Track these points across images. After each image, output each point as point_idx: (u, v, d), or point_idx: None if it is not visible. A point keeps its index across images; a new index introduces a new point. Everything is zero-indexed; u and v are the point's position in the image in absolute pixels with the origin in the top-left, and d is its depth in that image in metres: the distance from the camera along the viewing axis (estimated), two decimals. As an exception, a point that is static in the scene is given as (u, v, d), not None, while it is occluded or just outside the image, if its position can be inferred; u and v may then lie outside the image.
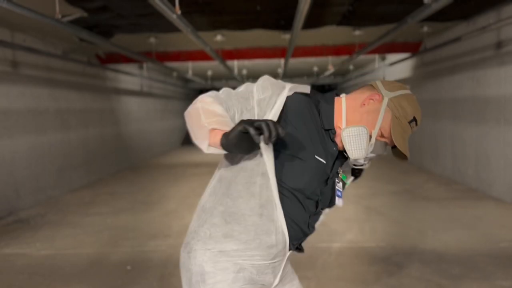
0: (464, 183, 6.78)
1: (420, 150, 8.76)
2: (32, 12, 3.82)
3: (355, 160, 1.35)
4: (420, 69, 8.72)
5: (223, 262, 1.31)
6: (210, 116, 1.20)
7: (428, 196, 6.15)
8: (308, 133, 1.30)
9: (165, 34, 6.68)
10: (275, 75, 14.72)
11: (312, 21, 5.86)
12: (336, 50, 8.29)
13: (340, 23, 6.18)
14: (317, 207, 1.38)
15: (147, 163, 11.01)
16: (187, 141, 16.92)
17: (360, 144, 1.30)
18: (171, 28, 5.62)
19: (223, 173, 1.37)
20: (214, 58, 7.14)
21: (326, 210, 1.45)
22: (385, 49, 8.24)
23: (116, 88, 9.82)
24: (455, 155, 7.11)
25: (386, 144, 1.35)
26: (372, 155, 1.34)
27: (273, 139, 1.05)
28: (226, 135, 1.12)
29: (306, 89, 1.43)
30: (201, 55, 8.18)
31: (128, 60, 8.61)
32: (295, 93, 1.36)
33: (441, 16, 5.97)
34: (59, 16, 4.28)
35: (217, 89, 1.40)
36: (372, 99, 1.32)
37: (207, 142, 1.18)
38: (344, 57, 8.81)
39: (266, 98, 1.30)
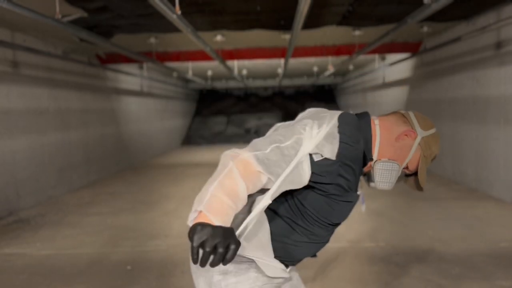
0: (464, 183, 6.78)
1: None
2: (32, 12, 3.82)
3: (374, 185, 1.42)
4: (420, 69, 8.72)
5: (245, 262, 1.34)
6: (220, 194, 1.10)
7: (428, 196, 6.15)
8: (355, 175, 1.31)
9: (165, 34, 6.68)
10: (275, 75, 14.73)
11: (312, 21, 5.86)
12: (336, 50, 8.29)
13: (340, 23, 6.18)
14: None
15: (147, 163, 11.01)
16: (187, 141, 16.93)
17: (389, 178, 1.37)
18: (171, 28, 5.62)
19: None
20: (214, 58, 7.14)
21: None
22: (385, 49, 8.24)
23: (116, 88, 9.82)
24: (455, 155, 7.11)
25: (404, 175, 1.46)
26: (393, 184, 1.41)
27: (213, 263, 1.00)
28: (193, 228, 1.01)
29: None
30: (201, 55, 8.19)
31: (128, 60, 8.61)
32: (350, 136, 1.28)
33: (441, 16, 5.97)
34: (59, 16, 4.28)
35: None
36: (407, 136, 1.37)
37: (196, 211, 1.09)
38: (344, 57, 8.81)
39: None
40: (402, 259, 3.67)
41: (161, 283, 3.34)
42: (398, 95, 10.22)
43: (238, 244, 1.02)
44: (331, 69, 10.14)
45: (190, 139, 17.09)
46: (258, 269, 1.34)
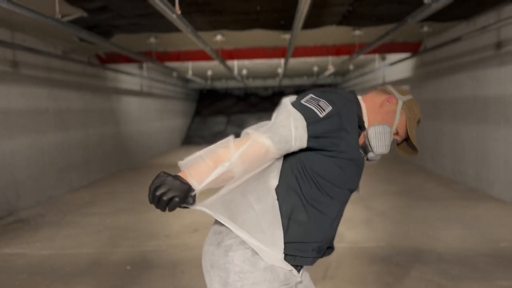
0: (464, 183, 6.78)
1: (420, 150, 8.75)
2: (32, 12, 3.82)
3: (375, 156, 1.49)
4: (420, 69, 8.72)
5: (262, 263, 1.33)
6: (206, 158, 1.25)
7: (428, 196, 6.15)
8: (355, 133, 1.40)
9: (165, 34, 6.68)
10: (275, 75, 14.74)
11: (312, 21, 5.86)
12: (336, 50, 8.29)
13: (340, 23, 6.18)
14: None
15: (147, 163, 11.01)
16: (187, 141, 16.92)
17: (384, 141, 1.45)
18: (171, 28, 5.62)
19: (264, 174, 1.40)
20: (214, 58, 7.14)
21: None
22: (385, 49, 8.24)
23: (116, 88, 9.82)
24: (455, 155, 7.11)
25: (396, 142, 1.56)
26: (388, 150, 1.49)
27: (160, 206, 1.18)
28: (158, 174, 1.23)
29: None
30: (201, 55, 8.18)
31: (128, 60, 8.61)
32: (343, 97, 1.39)
33: (441, 16, 5.97)
34: (59, 16, 4.28)
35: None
36: (389, 101, 1.49)
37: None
38: (344, 57, 8.81)
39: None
40: (402, 259, 3.67)
41: (161, 283, 3.34)
42: (398, 95, 10.21)
43: (183, 199, 1.17)
44: (331, 69, 10.14)
45: (190, 139, 17.08)
46: (274, 270, 1.34)
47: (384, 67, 9.84)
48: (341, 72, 15.09)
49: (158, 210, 1.20)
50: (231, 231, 1.35)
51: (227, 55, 8.27)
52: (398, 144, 1.59)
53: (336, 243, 1.41)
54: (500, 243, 4.03)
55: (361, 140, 1.47)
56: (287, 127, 1.26)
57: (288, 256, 1.37)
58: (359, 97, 1.51)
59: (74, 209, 5.94)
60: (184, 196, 1.18)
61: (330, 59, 9.66)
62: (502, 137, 5.67)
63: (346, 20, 5.99)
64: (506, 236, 4.22)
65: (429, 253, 3.80)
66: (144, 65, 10.38)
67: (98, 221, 5.24)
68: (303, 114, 1.28)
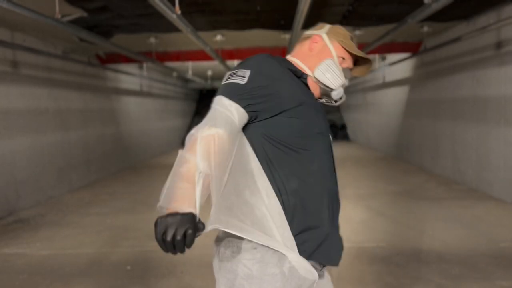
0: (464, 183, 6.78)
1: (420, 150, 8.76)
2: (32, 12, 3.82)
3: (337, 93, 1.45)
4: (420, 69, 8.72)
5: (272, 267, 1.27)
6: (176, 183, 1.15)
7: (428, 196, 6.15)
8: (294, 85, 1.35)
9: (165, 34, 6.68)
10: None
11: (312, 21, 5.83)
12: (336, 50, 8.28)
13: (340, 23, 6.18)
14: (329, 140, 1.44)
15: (147, 163, 11.01)
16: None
17: (334, 73, 1.43)
18: (171, 28, 5.62)
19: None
20: (214, 58, 7.14)
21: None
22: (385, 49, 8.23)
23: (116, 88, 9.82)
24: (455, 155, 7.11)
25: (349, 69, 1.50)
26: (347, 81, 1.47)
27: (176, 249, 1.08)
28: (155, 223, 1.09)
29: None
30: (201, 55, 8.18)
31: (128, 60, 8.60)
32: (258, 57, 1.34)
33: (441, 16, 5.97)
34: (59, 16, 4.28)
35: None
36: (315, 42, 1.47)
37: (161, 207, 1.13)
38: (344, 57, 8.79)
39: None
40: (402, 259, 3.67)
41: (161, 283, 3.34)
42: (398, 95, 10.22)
43: (195, 228, 1.07)
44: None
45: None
46: (284, 277, 1.27)
47: (384, 67, 9.84)
48: (341, 72, 15.06)
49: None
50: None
51: (227, 55, 8.27)
52: (351, 69, 1.53)
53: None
54: (500, 243, 4.03)
55: (316, 90, 1.45)
56: (221, 109, 1.22)
57: (304, 244, 1.30)
58: (287, 57, 1.50)
59: (74, 209, 5.94)
60: (193, 225, 1.09)
61: (330, 59, 9.64)
62: (502, 137, 5.67)
63: (346, 20, 5.99)
64: (506, 236, 4.22)
65: (429, 253, 3.80)
66: (144, 65, 10.38)
67: (98, 221, 5.24)
68: (227, 89, 1.26)
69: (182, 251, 1.07)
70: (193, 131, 1.21)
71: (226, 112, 1.22)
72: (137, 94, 11.32)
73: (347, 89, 16.96)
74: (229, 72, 1.32)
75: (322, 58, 1.44)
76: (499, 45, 5.70)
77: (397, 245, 4.06)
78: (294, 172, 1.31)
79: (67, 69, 7.44)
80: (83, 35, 4.90)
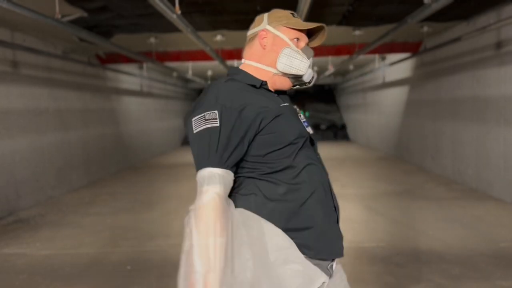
0: (464, 183, 6.78)
1: (420, 150, 8.76)
2: (32, 12, 3.82)
3: (308, 75, 1.42)
4: (420, 69, 8.72)
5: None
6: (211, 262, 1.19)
7: (428, 196, 6.15)
8: (258, 98, 1.33)
9: (165, 34, 6.68)
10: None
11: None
12: (336, 50, 8.29)
13: (340, 23, 6.18)
14: (312, 143, 1.43)
15: (147, 163, 11.01)
16: (187, 141, 16.91)
17: (297, 59, 1.39)
18: (171, 28, 5.62)
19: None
20: (214, 58, 7.14)
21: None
22: (385, 49, 8.24)
23: (116, 88, 9.82)
24: (455, 155, 7.11)
25: (307, 46, 1.46)
26: (311, 60, 1.44)
27: None
28: None
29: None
30: (201, 55, 8.18)
31: (128, 60, 8.60)
32: (213, 91, 1.33)
33: (441, 16, 5.97)
34: (59, 16, 4.28)
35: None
36: (263, 37, 1.42)
37: None
38: (344, 57, 8.81)
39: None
40: (402, 259, 3.67)
41: (161, 283, 3.34)
42: (398, 95, 10.22)
43: None
44: (331, 69, 10.14)
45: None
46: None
47: (384, 67, 9.84)
48: (341, 72, 15.09)
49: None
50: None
51: (227, 55, 8.27)
52: (308, 44, 1.49)
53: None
54: (500, 243, 4.04)
55: (286, 82, 1.43)
56: (211, 173, 1.24)
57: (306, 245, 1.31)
58: (242, 65, 1.46)
59: (74, 209, 5.94)
60: None
61: (330, 59, 9.66)
62: (502, 137, 5.67)
63: (346, 20, 5.99)
64: (506, 236, 4.22)
65: (429, 253, 3.80)
66: (144, 65, 10.38)
67: (98, 221, 5.24)
68: (204, 149, 1.25)
69: None
70: (192, 207, 1.27)
71: (218, 174, 1.24)
72: (137, 94, 11.32)
73: (347, 90, 16.98)
74: (193, 118, 1.29)
75: (278, 49, 1.40)
76: (499, 45, 5.70)
77: (397, 245, 4.06)
78: (280, 179, 1.32)
79: (67, 69, 7.44)
80: (83, 35, 4.90)
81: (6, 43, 5.28)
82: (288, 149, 1.31)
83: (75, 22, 5.19)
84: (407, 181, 7.31)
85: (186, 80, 16.10)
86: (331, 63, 10.25)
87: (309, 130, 1.42)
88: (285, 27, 1.42)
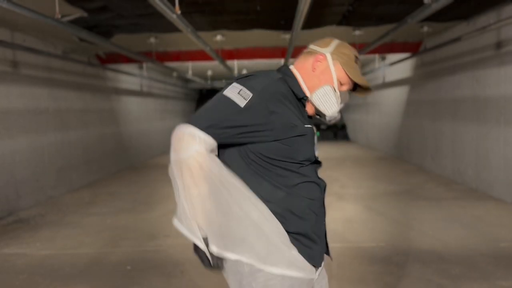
0: (464, 183, 6.78)
1: (420, 150, 8.76)
2: (32, 12, 3.82)
3: (328, 117, 1.47)
4: (420, 69, 8.72)
5: (274, 259, 1.32)
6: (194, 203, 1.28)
7: (428, 196, 6.15)
8: (292, 110, 1.37)
9: (165, 34, 6.68)
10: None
11: (312, 21, 5.86)
12: (336, 50, 8.28)
13: (340, 23, 6.18)
14: (317, 163, 1.47)
15: (147, 163, 11.01)
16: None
17: (331, 101, 1.42)
18: (171, 28, 5.62)
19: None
20: (214, 58, 7.14)
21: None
22: (385, 49, 8.24)
23: (116, 88, 9.82)
24: (455, 155, 7.11)
25: (348, 91, 1.51)
26: (342, 105, 1.48)
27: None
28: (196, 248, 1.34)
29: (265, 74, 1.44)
30: (201, 55, 8.18)
31: (128, 60, 8.60)
32: (265, 79, 1.36)
33: (441, 16, 5.97)
34: (59, 16, 4.28)
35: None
36: (318, 61, 1.45)
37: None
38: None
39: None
40: (402, 259, 3.67)
41: (161, 283, 3.34)
42: (398, 95, 10.22)
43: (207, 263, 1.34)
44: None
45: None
46: (288, 265, 1.33)
47: (384, 67, 9.84)
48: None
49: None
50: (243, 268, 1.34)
51: (227, 55, 8.27)
52: (352, 90, 1.53)
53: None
54: (500, 243, 4.04)
55: (311, 109, 1.46)
56: (202, 131, 1.27)
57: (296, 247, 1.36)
58: (292, 67, 1.49)
59: (74, 209, 5.94)
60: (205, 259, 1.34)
61: (330, 59, 9.64)
62: (502, 137, 5.67)
63: (346, 20, 5.99)
64: (506, 236, 4.22)
65: (429, 253, 3.80)
66: (144, 65, 10.38)
67: (98, 221, 5.24)
68: (223, 106, 1.29)
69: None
70: (180, 129, 1.27)
71: (206, 137, 1.26)
72: (137, 94, 11.32)
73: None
74: (235, 83, 1.34)
75: (322, 81, 1.44)
76: (499, 45, 5.70)
77: (397, 245, 4.06)
78: (281, 183, 1.36)
79: (67, 69, 7.44)
80: (83, 35, 4.90)
81: (6, 43, 5.28)
82: (295, 164, 1.37)
83: (75, 22, 5.19)
84: (407, 181, 7.31)
85: (186, 80, 16.10)
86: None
87: (316, 153, 1.47)
88: (340, 67, 1.45)
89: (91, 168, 8.17)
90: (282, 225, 1.34)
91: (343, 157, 10.82)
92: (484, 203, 5.58)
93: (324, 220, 1.48)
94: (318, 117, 1.50)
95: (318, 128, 17.16)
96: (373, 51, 8.12)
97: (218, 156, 1.36)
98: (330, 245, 1.55)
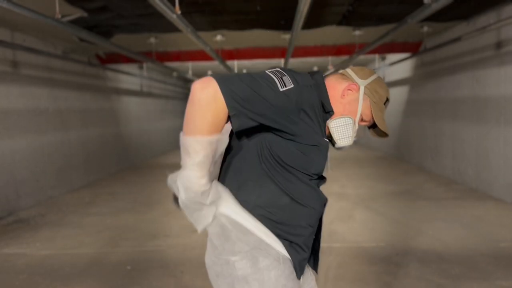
0: (464, 183, 6.78)
1: (420, 150, 8.76)
2: (32, 12, 3.82)
3: (337, 145, 1.45)
4: (420, 69, 8.72)
5: (262, 260, 1.31)
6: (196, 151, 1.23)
7: (428, 196, 6.15)
8: (317, 119, 1.34)
9: (165, 34, 6.68)
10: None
11: (312, 21, 5.86)
12: (336, 50, 8.29)
13: (340, 23, 6.18)
14: (322, 178, 1.45)
15: (147, 163, 11.01)
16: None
17: (347, 133, 1.41)
18: (171, 28, 5.62)
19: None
20: (214, 58, 7.14)
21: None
22: (385, 49, 8.24)
23: (116, 88, 9.82)
24: (455, 155, 7.11)
25: (366, 127, 1.50)
26: (355, 139, 1.45)
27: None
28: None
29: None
30: (201, 55, 8.18)
31: (128, 60, 8.61)
32: (306, 79, 1.34)
33: (441, 16, 5.97)
34: (59, 16, 4.28)
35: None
36: (350, 90, 1.41)
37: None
38: (344, 57, 8.81)
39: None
40: (402, 259, 3.67)
41: (161, 283, 3.34)
42: (398, 95, 10.22)
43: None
44: (331, 69, 10.14)
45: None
46: (279, 263, 1.32)
47: (384, 67, 9.84)
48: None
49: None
50: (227, 242, 1.33)
51: (227, 55, 8.27)
52: (369, 127, 1.52)
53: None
54: (500, 243, 4.04)
55: (326, 130, 1.43)
56: (242, 84, 1.21)
57: (285, 242, 1.35)
58: (326, 80, 1.45)
59: (74, 209, 5.94)
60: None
61: (330, 59, 9.66)
62: (502, 137, 5.67)
63: (346, 20, 5.99)
64: (506, 236, 4.22)
65: (429, 253, 3.80)
66: (144, 65, 10.38)
67: (98, 221, 5.24)
68: (262, 81, 1.23)
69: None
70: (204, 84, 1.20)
71: (246, 90, 1.21)
72: (137, 94, 11.32)
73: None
74: (279, 68, 1.31)
75: (346, 111, 1.41)
76: (499, 45, 5.70)
77: (397, 245, 4.06)
78: (288, 189, 1.35)
79: (67, 69, 7.44)
80: (83, 35, 4.90)
81: (6, 43, 5.28)
82: (306, 175, 1.36)
83: (75, 22, 5.19)
84: (407, 181, 7.31)
85: (186, 80, 16.10)
86: (331, 63, 10.25)
87: (325, 171, 1.47)
88: (369, 104, 1.43)
89: (91, 168, 8.17)
90: (275, 228, 1.34)
91: (343, 157, 10.82)
92: (484, 203, 5.58)
93: (320, 234, 1.47)
94: (327, 140, 1.45)
95: None
96: (373, 51, 8.12)
97: (235, 143, 1.36)
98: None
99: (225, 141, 1.29)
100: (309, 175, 1.36)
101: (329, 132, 1.43)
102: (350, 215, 5.11)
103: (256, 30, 6.48)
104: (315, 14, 5.41)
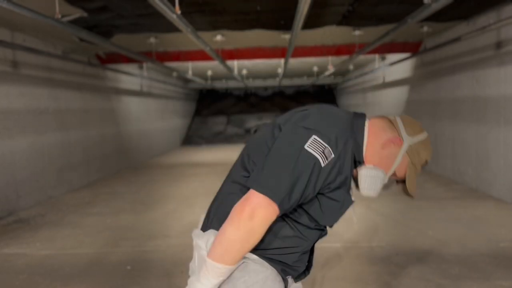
0: (464, 183, 6.78)
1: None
2: (32, 12, 3.82)
3: (364, 194, 1.38)
4: (420, 69, 8.72)
5: (260, 272, 1.30)
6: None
7: (428, 196, 6.15)
8: (350, 173, 1.30)
9: (165, 34, 6.68)
10: (275, 75, 14.73)
11: (312, 21, 5.86)
12: (336, 50, 8.29)
13: (340, 23, 6.18)
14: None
15: (147, 163, 11.01)
16: (187, 141, 16.92)
17: (375, 185, 1.33)
18: (171, 28, 5.62)
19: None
20: (214, 58, 7.14)
21: None
22: (385, 49, 8.24)
23: (116, 88, 9.82)
24: (455, 155, 7.11)
25: (394, 180, 1.41)
26: (380, 190, 1.37)
27: None
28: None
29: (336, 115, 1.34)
30: (201, 55, 8.18)
31: (128, 60, 8.60)
32: (343, 134, 1.27)
33: (441, 16, 5.97)
34: (59, 16, 4.28)
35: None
36: (393, 143, 1.34)
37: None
38: (344, 57, 8.81)
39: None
40: (402, 259, 3.67)
41: (161, 283, 3.34)
42: (398, 95, 10.22)
43: None
44: (331, 69, 10.14)
45: (190, 139, 17.08)
46: (273, 275, 1.31)
47: (384, 67, 9.84)
48: (341, 72, 15.08)
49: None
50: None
51: (227, 55, 8.27)
52: (397, 181, 1.45)
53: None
54: (500, 243, 4.03)
55: (355, 171, 1.36)
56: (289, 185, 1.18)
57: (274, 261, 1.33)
58: (366, 123, 1.35)
59: (74, 209, 5.94)
60: None
61: (330, 59, 9.66)
62: (502, 137, 5.67)
63: (346, 20, 5.99)
64: (506, 236, 4.22)
65: (429, 253, 3.80)
66: (144, 65, 10.38)
67: (98, 221, 5.24)
68: (306, 170, 1.18)
69: None
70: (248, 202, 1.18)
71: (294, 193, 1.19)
72: (137, 94, 11.32)
73: (346, 90, 16.99)
74: (316, 137, 1.21)
75: (382, 164, 1.33)
76: (499, 45, 5.70)
77: (397, 245, 4.06)
78: (295, 226, 1.32)
79: (67, 69, 7.44)
80: (83, 35, 4.90)
81: (6, 43, 5.28)
82: (314, 222, 1.33)
83: (75, 22, 5.19)
84: (407, 181, 7.30)
85: (186, 80, 16.10)
86: (331, 63, 10.25)
87: (354, 218, 1.47)
88: (406, 162, 1.35)
89: (91, 168, 8.17)
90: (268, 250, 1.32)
91: (343, 157, 10.80)
92: (484, 203, 5.58)
93: (312, 254, 1.46)
94: (353, 199, 1.38)
95: None
96: (373, 51, 8.12)
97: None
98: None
99: None
100: (317, 224, 1.33)
101: (356, 175, 1.37)
102: (350, 215, 5.10)
103: (256, 30, 6.48)
104: (315, 14, 5.40)
